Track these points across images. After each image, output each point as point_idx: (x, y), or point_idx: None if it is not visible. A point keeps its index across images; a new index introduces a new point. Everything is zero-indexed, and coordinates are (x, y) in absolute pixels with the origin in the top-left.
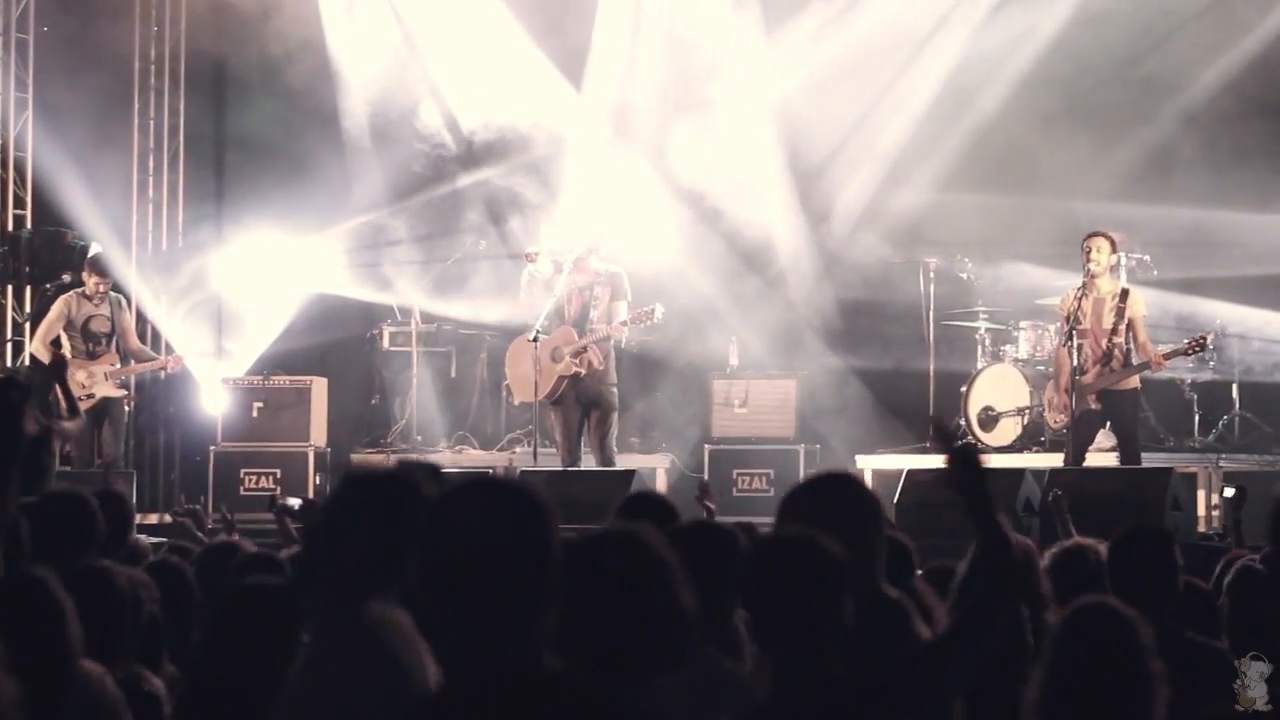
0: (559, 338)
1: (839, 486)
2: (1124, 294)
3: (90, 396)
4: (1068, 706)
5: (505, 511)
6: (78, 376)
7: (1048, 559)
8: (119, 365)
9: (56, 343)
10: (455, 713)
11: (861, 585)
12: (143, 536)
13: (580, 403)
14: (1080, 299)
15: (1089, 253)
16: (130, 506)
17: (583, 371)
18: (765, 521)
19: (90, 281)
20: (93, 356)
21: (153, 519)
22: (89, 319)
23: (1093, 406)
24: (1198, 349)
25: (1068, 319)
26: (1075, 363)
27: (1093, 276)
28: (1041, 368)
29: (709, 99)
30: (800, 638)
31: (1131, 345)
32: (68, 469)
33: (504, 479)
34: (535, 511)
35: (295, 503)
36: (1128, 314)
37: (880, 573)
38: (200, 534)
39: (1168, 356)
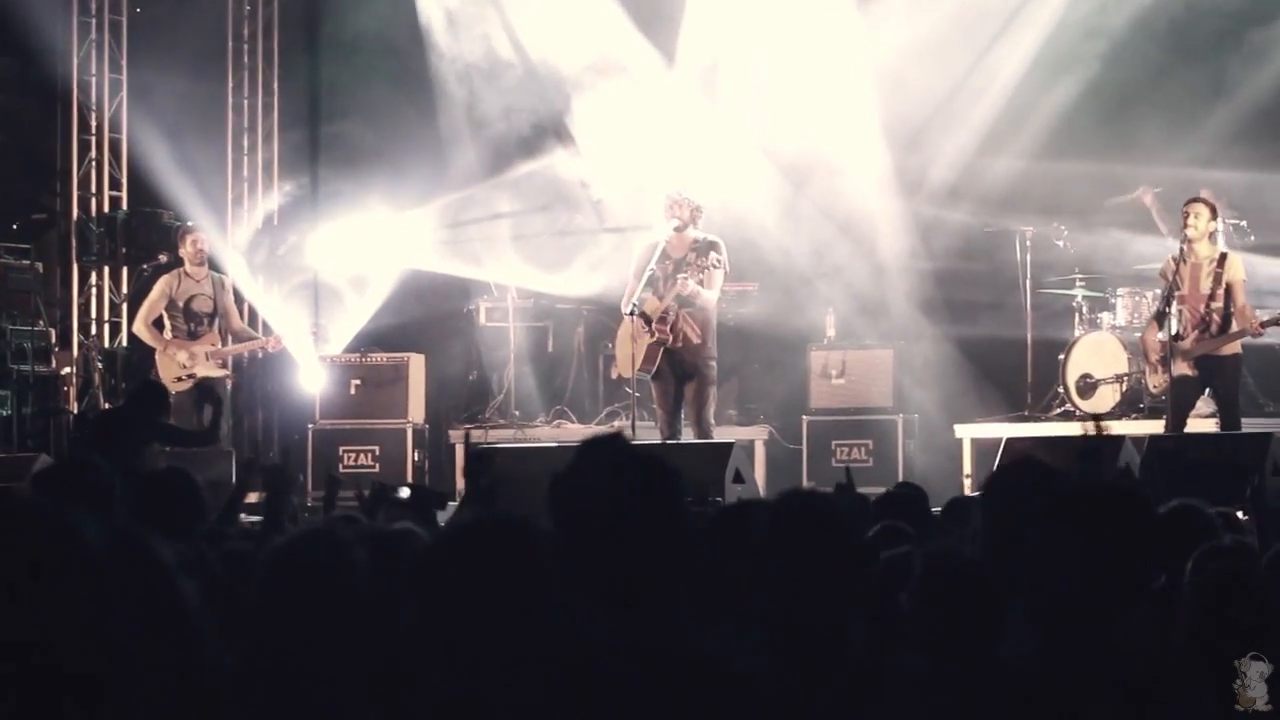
0: (648, 308)
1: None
2: (1222, 259)
3: (191, 376)
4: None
5: (640, 481)
6: (179, 357)
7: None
8: (220, 345)
9: (159, 323)
10: (596, 689)
11: None
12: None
13: (677, 375)
14: (1179, 264)
15: (1187, 218)
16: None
17: (668, 340)
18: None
19: (189, 245)
20: (194, 336)
21: (252, 497)
22: (191, 298)
23: (1189, 373)
24: None
25: (1165, 280)
26: (1176, 329)
27: (1190, 242)
28: (1140, 334)
29: (803, 68)
30: None
31: (1231, 310)
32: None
33: (623, 443)
34: (670, 478)
35: (404, 493)
36: (1225, 279)
37: None
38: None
39: (1265, 324)
